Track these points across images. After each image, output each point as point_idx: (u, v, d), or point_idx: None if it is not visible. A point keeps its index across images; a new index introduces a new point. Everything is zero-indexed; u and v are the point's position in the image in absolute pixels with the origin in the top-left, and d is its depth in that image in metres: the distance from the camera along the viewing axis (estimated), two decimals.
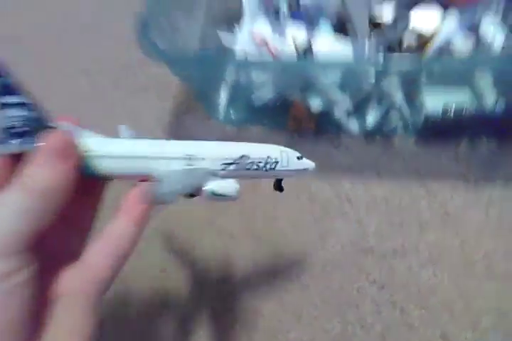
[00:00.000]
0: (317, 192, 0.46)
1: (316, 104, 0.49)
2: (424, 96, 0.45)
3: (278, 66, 0.45)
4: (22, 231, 0.20)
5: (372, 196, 0.45)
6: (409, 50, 0.47)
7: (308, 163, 0.29)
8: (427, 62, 0.41)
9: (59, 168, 0.21)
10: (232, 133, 0.54)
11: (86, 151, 0.23)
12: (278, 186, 0.29)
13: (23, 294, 0.20)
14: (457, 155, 0.45)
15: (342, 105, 0.48)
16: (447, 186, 0.44)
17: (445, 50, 0.46)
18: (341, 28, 0.53)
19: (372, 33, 0.50)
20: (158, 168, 0.24)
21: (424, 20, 0.49)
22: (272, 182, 0.29)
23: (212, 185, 0.25)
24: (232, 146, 0.27)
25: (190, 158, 0.25)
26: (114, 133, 0.26)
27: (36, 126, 0.22)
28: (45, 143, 0.21)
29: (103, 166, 0.24)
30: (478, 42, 0.48)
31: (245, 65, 0.47)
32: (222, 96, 0.55)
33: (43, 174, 0.21)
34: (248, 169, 0.26)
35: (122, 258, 0.24)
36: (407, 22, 0.49)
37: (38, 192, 0.21)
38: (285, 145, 0.28)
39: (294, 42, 0.51)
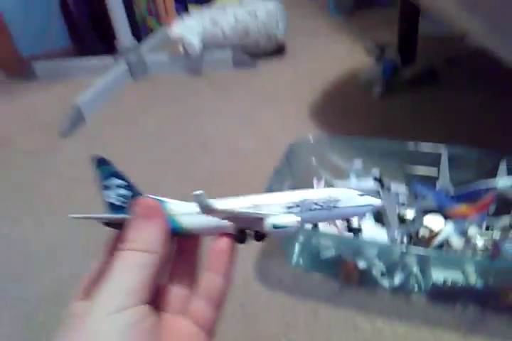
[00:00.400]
0: (360, 324, 0.69)
1: (361, 263, 0.76)
2: (431, 271, 0.71)
3: (337, 239, 0.74)
4: (143, 283, 0.25)
5: (395, 333, 0.68)
6: (422, 239, 0.76)
7: (372, 200, 0.31)
8: (432, 253, 0.70)
9: (152, 227, 0.27)
10: (297, 276, 0.80)
11: (171, 212, 0.29)
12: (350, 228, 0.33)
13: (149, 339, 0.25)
14: (454, 311, 0.69)
15: (378, 267, 0.75)
16: (446, 334, 0.67)
17: (445, 243, 0.75)
18: (380, 219, 0.83)
19: (399, 225, 0.79)
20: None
21: (433, 222, 0.79)
22: None
23: (272, 219, 0.29)
24: (295, 192, 0.31)
25: (256, 206, 0.29)
26: None
27: (130, 201, 0.29)
28: (136, 210, 0.27)
29: (187, 223, 0.29)
30: (468, 241, 0.76)
31: (316, 234, 0.76)
32: (297, 248, 0.83)
33: (142, 235, 0.27)
34: (312, 210, 0.29)
35: (220, 308, 0.30)
36: (422, 221, 0.79)
37: (144, 250, 0.26)
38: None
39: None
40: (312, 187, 0.91)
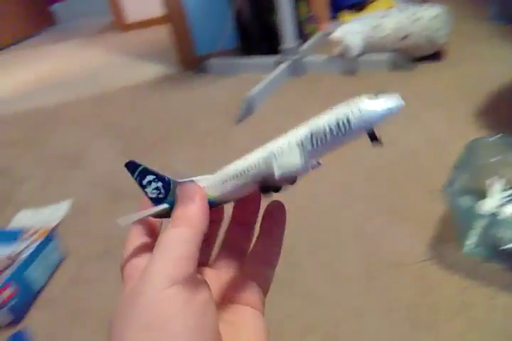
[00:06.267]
0: None
1: None
2: None
3: None
4: (193, 256, 0.26)
5: None
6: None
7: (390, 101, 0.24)
8: None
9: (196, 204, 0.28)
10: (472, 263, 0.83)
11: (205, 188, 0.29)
12: (372, 138, 0.25)
13: (210, 308, 0.26)
14: None
15: None
16: None
17: None
18: None
19: None
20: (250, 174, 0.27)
21: None
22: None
23: (276, 166, 0.25)
24: (301, 127, 0.27)
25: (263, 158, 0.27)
26: None
27: (167, 191, 0.30)
28: (178, 194, 0.29)
29: (214, 194, 0.29)
30: None
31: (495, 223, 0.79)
32: (476, 231, 0.85)
33: (189, 211, 0.28)
34: (324, 143, 0.25)
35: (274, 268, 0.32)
36: None
37: (193, 224, 0.27)
38: None
39: None
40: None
